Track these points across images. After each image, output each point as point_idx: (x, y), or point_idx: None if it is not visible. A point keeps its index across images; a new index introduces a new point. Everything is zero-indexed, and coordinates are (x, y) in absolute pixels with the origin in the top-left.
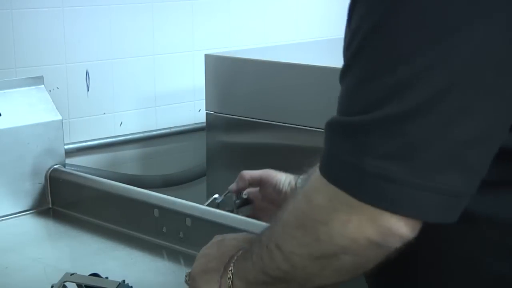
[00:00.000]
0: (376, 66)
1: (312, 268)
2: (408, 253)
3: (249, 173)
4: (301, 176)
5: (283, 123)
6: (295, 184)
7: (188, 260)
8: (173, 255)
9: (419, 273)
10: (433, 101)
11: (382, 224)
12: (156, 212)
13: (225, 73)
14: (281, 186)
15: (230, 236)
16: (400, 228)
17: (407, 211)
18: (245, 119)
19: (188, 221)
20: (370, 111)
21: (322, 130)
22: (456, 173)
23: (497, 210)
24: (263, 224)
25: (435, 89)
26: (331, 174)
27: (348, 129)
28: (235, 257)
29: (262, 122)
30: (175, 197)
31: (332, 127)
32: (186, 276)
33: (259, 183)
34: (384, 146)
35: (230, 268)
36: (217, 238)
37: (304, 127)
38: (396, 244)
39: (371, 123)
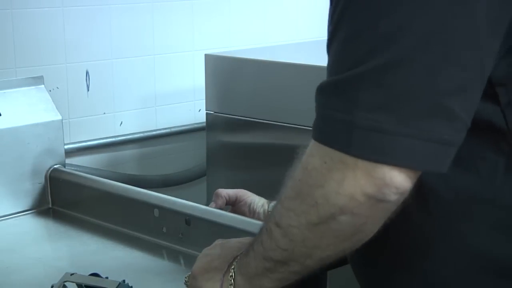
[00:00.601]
0: (359, 24)
1: (311, 239)
2: (390, 234)
3: (225, 191)
4: (273, 203)
5: (284, 123)
6: (268, 208)
7: (188, 260)
8: (173, 255)
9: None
10: (415, 51)
11: (377, 176)
12: (156, 212)
13: (225, 73)
14: (254, 207)
15: (234, 239)
16: (395, 178)
17: (399, 161)
18: (245, 119)
19: (188, 221)
20: (355, 66)
21: None
22: (443, 121)
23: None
24: (260, 224)
25: (417, 40)
26: (323, 135)
27: (336, 87)
28: (238, 257)
29: (262, 122)
30: (175, 197)
31: (320, 90)
32: (186, 278)
33: (234, 201)
34: (372, 98)
35: (232, 267)
36: (218, 241)
37: (304, 127)
38: (392, 196)
39: (358, 76)
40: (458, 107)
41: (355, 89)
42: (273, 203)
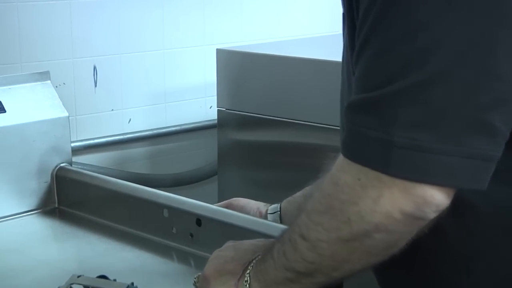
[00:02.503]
0: (395, 36)
1: (341, 253)
2: (422, 246)
3: (218, 204)
4: (272, 205)
5: (298, 120)
6: (265, 211)
7: (199, 261)
8: (183, 257)
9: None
10: (454, 65)
11: (417, 194)
12: (165, 212)
13: (237, 68)
14: (248, 210)
15: (247, 241)
16: (435, 196)
17: (440, 179)
18: (258, 116)
19: (199, 222)
20: (391, 83)
21: (336, 127)
22: (483, 136)
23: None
24: (275, 226)
25: (455, 53)
26: (357, 153)
27: (370, 104)
28: (253, 261)
29: (276, 120)
30: (185, 196)
31: (353, 106)
32: (195, 278)
33: (228, 207)
34: (410, 116)
35: (247, 271)
36: (230, 243)
37: (320, 125)
38: (432, 214)
39: (394, 94)
40: (498, 121)
41: (392, 107)
42: (271, 206)
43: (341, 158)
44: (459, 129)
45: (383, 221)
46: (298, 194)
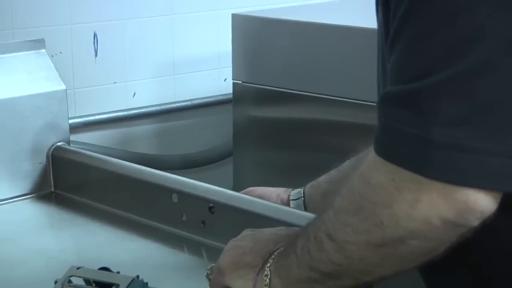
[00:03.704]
0: (433, 21)
1: (371, 258)
2: (472, 249)
3: None
4: (294, 190)
5: (322, 94)
6: (287, 198)
7: (212, 253)
8: (194, 247)
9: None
10: (500, 53)
11: (459, 199)
12: (174, 198)
13: (255, 36)
14: (268, 199)
15: (267, 230)
16: (480, 202)
17: (485, 182)
18: (278, 90)
19: (212, 208)
20: (431, 73)
21: (367, 103)
22: None
23: None
24: (298, 213)
25: (501, 40)
26: (391, 152)
27: (407, 98)
28: (275, 253)
29: (298, 94)
30: (197, 180)
31: (387, 99)
32: (208, 270)
33: None
34: (451, 112)
35: (268, 265)
36: (248, 231)
37: (346, 100)
38: (475, 221)
39: (435, 86)
40: None
41: (431, 101)
42: (293, 191)
43: (373, 154)
44: (506, 126)
45: (420, 227)
46: (323, 179)
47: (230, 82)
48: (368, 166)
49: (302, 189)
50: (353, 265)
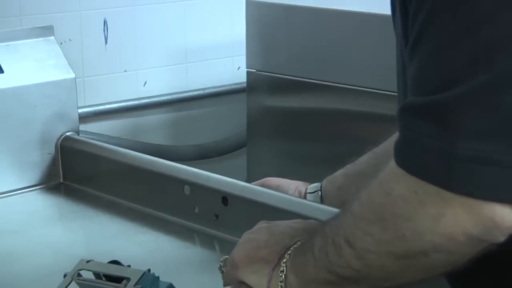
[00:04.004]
0: (455, 30)
1: (392, 267)
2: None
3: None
4: (311, 185)
5: (338, 83)
6: (305, 191)
7: (225, 246)
8: (207, 240)
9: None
10: None
11: (485, 214)
12: (186, 189)
13: (269, 23)
14: (285, 190)
15: (283, 223)
16: (507, 217)
17: (511, 196)
18: (293, 78)
19: (225, 200)
20: (455, 85)
21: (384, 92)
22: None
23: None
24: (314, 205)
25: None
26: (414, 165)
27: (429, 110)
28: (292, 248)
29: (313, 83)
30: (210, 171)
31: (408, 111)
32: (221, 262)
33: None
34: (477, 124)
35: (284, 260)
36: (263, 224)
37: (364, 89)
38: (501, 236)
39: (459, 98)
40: None
41: (455, 114)
42: (311, 185)
43: (394, 164)
44: None
45: (443, 242)
46: (339, 173)
47: (244, 70)
48: (389, 176)
49: (320, 183)
50: (373, 272)
